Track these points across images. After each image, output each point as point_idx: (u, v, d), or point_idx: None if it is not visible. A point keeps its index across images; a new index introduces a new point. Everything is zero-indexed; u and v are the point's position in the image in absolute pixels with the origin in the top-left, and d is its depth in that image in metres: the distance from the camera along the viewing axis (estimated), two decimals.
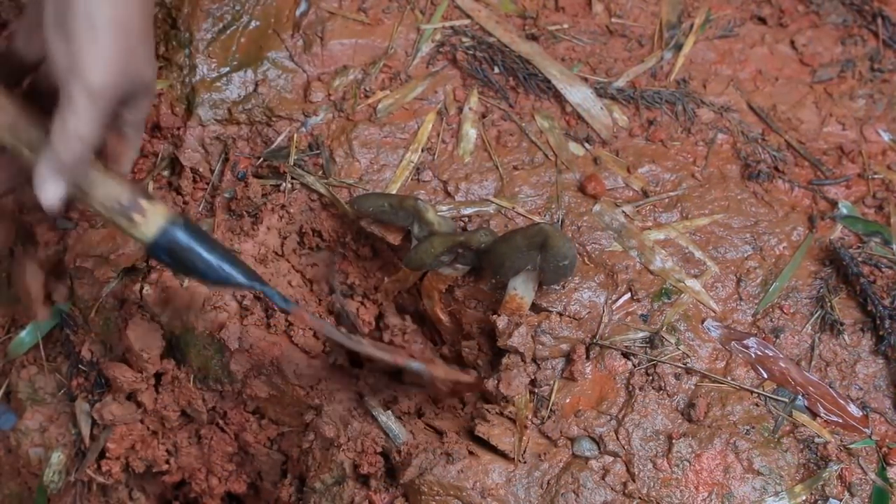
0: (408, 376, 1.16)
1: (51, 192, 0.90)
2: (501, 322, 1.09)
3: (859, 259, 1.15)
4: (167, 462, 1.26)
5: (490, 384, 1.08)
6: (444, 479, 1.02)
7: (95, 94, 0.86)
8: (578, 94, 1.26)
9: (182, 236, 0.95)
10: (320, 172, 1.20)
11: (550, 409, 1.07)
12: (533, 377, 1.08)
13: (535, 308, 1.11)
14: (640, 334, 1.10)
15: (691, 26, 1.35)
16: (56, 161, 0.88)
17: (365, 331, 1.19)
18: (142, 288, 1.19)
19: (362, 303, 1.22)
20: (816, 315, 1.14)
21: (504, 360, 1.09)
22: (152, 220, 0.95)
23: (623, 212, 1.17)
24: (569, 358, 1.08)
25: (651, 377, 1.08)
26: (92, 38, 0.85)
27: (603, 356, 1.08)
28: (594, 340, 1.09)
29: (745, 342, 1.11)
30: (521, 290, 1.09)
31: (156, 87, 1.00)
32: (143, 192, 0.96)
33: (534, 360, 1.08)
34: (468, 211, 1.17)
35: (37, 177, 0.89)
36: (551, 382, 1.08)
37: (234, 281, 0.97)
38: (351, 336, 1.01)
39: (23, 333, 1.27)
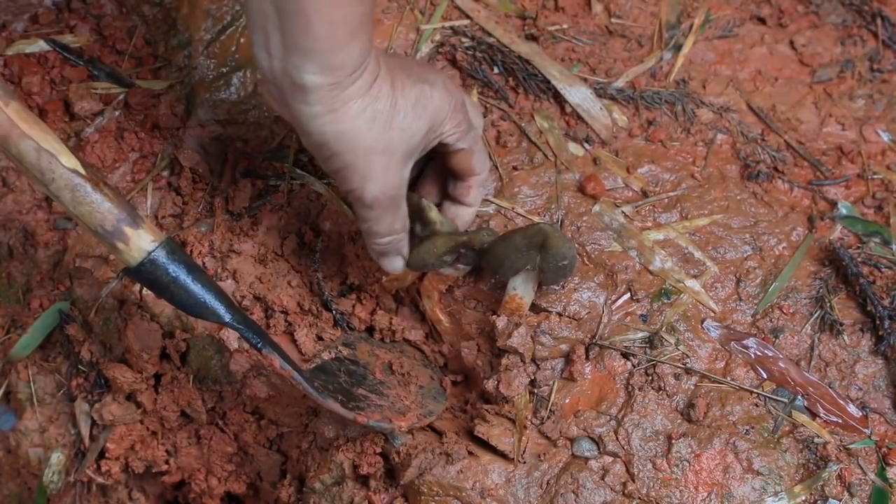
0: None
1: (389, 266, 1.08)
2: (501, 322, 1.09)
3: (859, 259, 1.15)
4: (167, 462, 1.26)
5: (490, 384, 1.08)
6: (444, 479, 1.02)
7: (369, 204, 0.97)
8: (578, 95, 1.26)
9: (164, 268, 0.94)
10: (320, 172, 1.20)
11: (550, 410, 1.07)
12: (532, 377, 1.08)
13: (534, 308, 1.11)
14: (640, 334, 1.10)
15: (691, 26, 1.35)
16: (373, 253, 1.06)
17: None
18: (141, 288, 1.19)
19: (359, 299, 1.22)
20: (816, 315, 1.14)
21: (503, 361, 1.09)
22: (135, 248, 0.94)
23: (622, 212, 1.17)
24: (568, 358, 1.08)
25: (650, 377, 1.08)
26: (352, 171, 0.94)
27: (602, 356, 1.08)
28: (593, 341, 1.09)
29: (744, 342, 1.11)
30: (521, 290, 1.09)
31: (454, 110, 1.00)
32: (130, 216, 0.94)
33: (533, 360, 1.08)
34: None
35: (375, 258, 1.07)
36: (551, 383, 1.08)
37: (214, 317, 0.96)
38: (318, 389, 0.99)
39: (25, 337, 1.27)
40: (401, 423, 1.03)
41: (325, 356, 1.11)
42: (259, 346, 0.98)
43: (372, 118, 0.91)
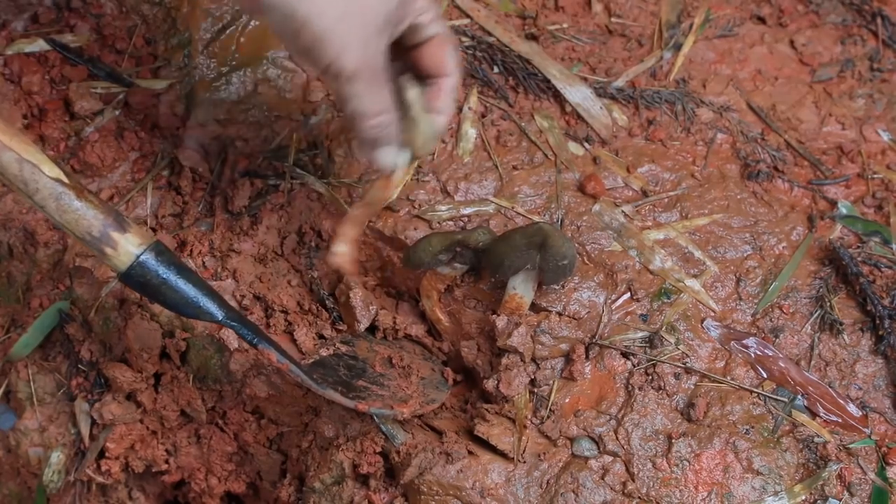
0: None
1: (382, 159, 0.96)
2: (501, 322, 1.09)
3: (859, 259, 1.15)
4: (166, 462, 1.26)
5: (490, 384, 1.08)
6: (444, 478, 1.02)
7: (351, 74, 0.88)
8: (578, 94, 1.26)
9: (153, 270, 0.94)
10: (319, 172, 1.20)
11: (550, 409, 1.07)
12: (532, 377, 1.08)
13: (534, 308, 1.11)
14: (640, 334, 1.10)
15: (691, 26, 1.35)
16: (366, 141, 0.94)
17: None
18: None
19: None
20: (816, 315, 1.14)
21: (504, 360, 1.09)
22: (124, 252, 0.94)
23: (622, 211, 1.17)
24: (568, 358, 1.08)
25: (650, 377, 1.08)
26: (328, 42, 0.86)
27: (602, 356, 1.08)
28: (593, 340, 1.09)
29: (744, 342, 1.11)
30: (521, 289, 1.09)
31: None
32: (116, 221, 0.94)
33: (533, 359, 1.08)
34: (468, 210, 1.17)
35: (362, 155, 0.99)
36: (551, 382, 1.08)
37: (208, 316, 0.96)
38: (317, 381, 0.99)
39: (24, 336, 1.27)
40: (403, 410, 1.03)
41: (324, 352, 1.11)
42: (255, 341, 0.98)
43: None
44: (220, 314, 0.96)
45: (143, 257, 0.94)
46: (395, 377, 1.10)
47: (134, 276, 0.94)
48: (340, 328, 1.19)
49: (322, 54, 0.86)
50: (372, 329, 1.22)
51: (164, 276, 0.94)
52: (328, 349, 1.12)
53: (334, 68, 0.87)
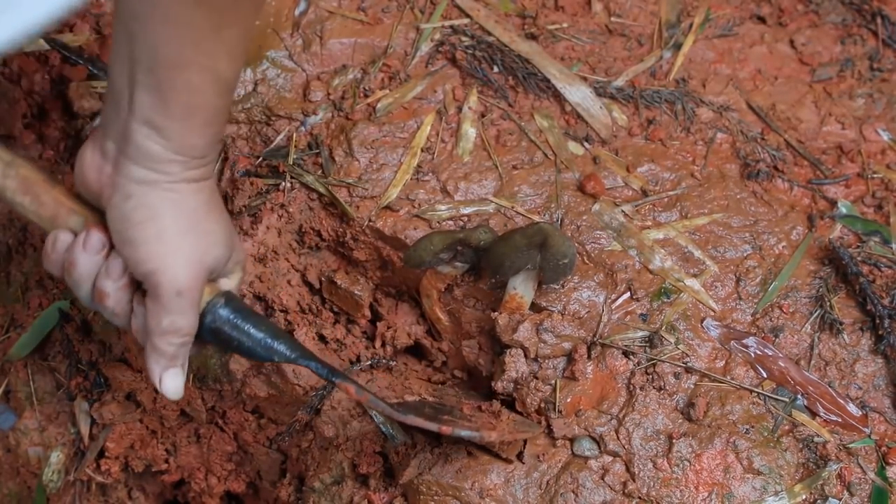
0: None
1: (171, 385, 0.93)
2: (503, 319, 1.09)
3: (858, 258, 1.15)
4: (166, 461, 1.26)
5: (500, 385, 1.08)
6: (443, 479, 1.02)
7: (184, 292, 0.88)
8: (578, 94, 1.26)
9: (225, 315, 0.93)
10: (319, 171, 1.20)
11: (558, 409, 1.06)
12: (535, 376, 1.08)
13: (534, 307, 1.11)
14: (640, 334, 1.10)
15: (690, 25, 1.35)
16: (163, 357, 0.91)
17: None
18: None
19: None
20: (816, 314, 1.14)
21: (506, 360, 1.08)
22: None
23: (622, 211, 1.17)
24: (570, 357, 1.08)
25: (651, 377, 1.08)
26: (165, 249, 0.87)
27: (604, 355, 1.08)
28: (595, 339, 1.09)
29: (744, 341, 1.11)
30: (521, 289, 1.09)
31: (245, 259, 0.99)
32: None
33: (535, 358, 1.08)
34: (467, 210, 1.17)
35: (153, 376, 0.92)
36: (552, 382, 1.07)
37: (282, 357, 0.94)
38: (396, 408, 0.95)
39: (24, 336, 1.27)
40: (491, 433, 0.99)
41: (409, 398, 1.09)
42: (331, 377, 0.95)
43: (199, 206, 0.88)
44: (293, 354, 0.94)
45: (213, 309, 0.93)
46: (484, 417, 1.07)
47: (206, 328, 0.93)
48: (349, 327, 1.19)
49: (155, 257, 0.87)
50: (374, 321, 1.22)
51: (236, 324, 0.93)
52: (413, 397, 1.10)
53: (167, 276, 0.87)
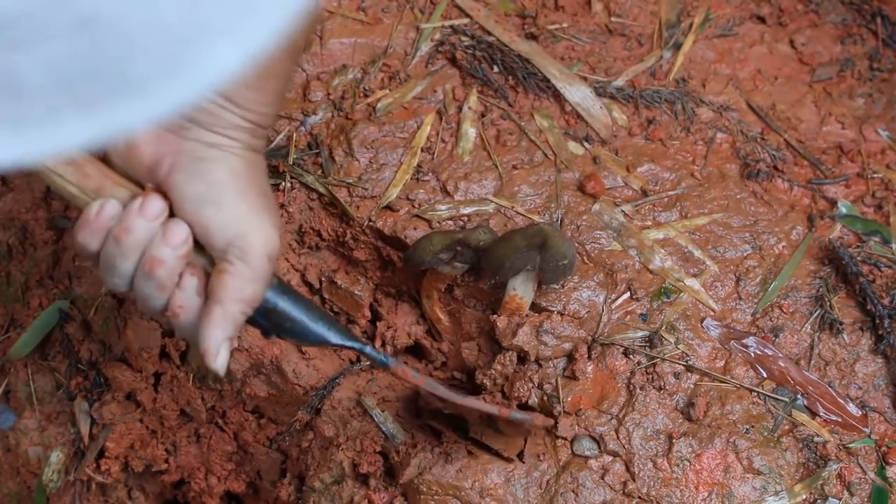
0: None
1: (224, 358, 0.86)
2: (502, 322, 1.09)
3: (858, 258, 1.15)
4: (166, 461, 1.26)
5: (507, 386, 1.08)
6: (443, 478, 1.02)
7: (273, 256, 0.85)
8: (578, 94, 1.26)
9: (278, 300, 0.90)
10: (319, 171, 1.20)
11: (563, 409, 1.06)
12: (535, 376, 1.08)
13: (534, 307, 1.11)
14: (640, 333, 1.10)
15: (690, 25, 1.35)
16: (231, 325, 0.85)
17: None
18: None
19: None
20: (816, 314, 1.14)
21: (506, 360, 1.08)
22: None
23: (622, 211, 1.17)
24: (571, 357, 1.08)
25: (651, 376, 1.08)
26: (252, 211, 0.84)
27: (605, 355, 1.08)
28: (595, 339, 1.09)
29: (744, 341, 1.11)
30: (521, 290, 1.09)
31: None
32: None
33: (536, 359, 1.08)
34: (467, 210, 1.17)
35: (210, 342, 0.85)
36: (553, 381, 1.07)
37: (336, 340, 0.92)
38: (454, 391, 0.96)
39: (24, 336, 1.27)
40: (537, 417, 1.01)
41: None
42: (386, 361, 0.95)
43: (265, 173, 0.87)
44: (348, 339, 0.93)
45: (266, 291, 0.90)
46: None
47: (261, 307, 0.89)
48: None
49: (232, 225, 0.83)
50: (374, 321, 1.22)
51: (288, 307, 0.91)
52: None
53: (250, 241, 0.83)
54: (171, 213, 0.84)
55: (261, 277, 0.84)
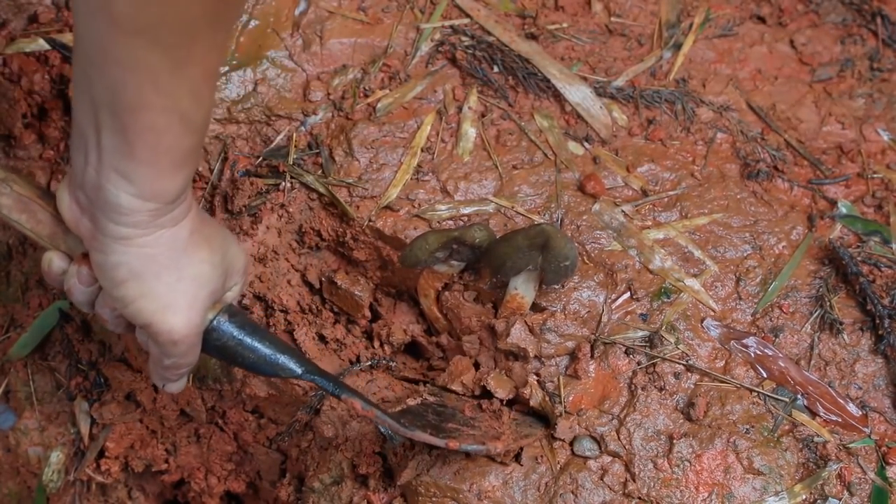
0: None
1: (174, 388, 0.99)
2: (500, 325, 1.09)
3: (858, 258, 1.15)
4: (166, 461, 1.26)
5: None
6: (441, 480, 1.02)
7: (180, 340, 0.89)
8: (578, 94, 1.25)
9: (229, 331, 0.93)
10: (319, 171, 1.20)
11: (564, 409, 1.06)
12: (537, 374, 1.08)
13: (535, 307, 1.11)
14: (640, 333, 1.10)
15: (690, 25, 1.35)
16: (167, 381, 0.97)
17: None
18: None
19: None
20: (816, 314, 1.14)
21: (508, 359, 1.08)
22: None
23: (622, 211, 1.17)
24: (573, 356, 1.08)
25: (652, 376, 1.08)
26: (154, 306, 0.87)
27: (607, 354, 1.08)
28: (597, 338, 1.09)
29: (744, 341, 1.11)
30: (522, 289, 1.09)
31: (247, 262, 0.99)
32: None
33: (538, 357, 1.08)
34: (467, 210, 1.17)
35: (157, 385, 0.99)
36: (555, 380, 1.07)
37: (287, 372, 0.94)
38: (404, 425, 0.96)
39: (24, 336, 1.27)
40: (496, 444, 0.99)
41: (411, 402, 1.10)
42: (337, 392, 0.96)
43: (182, 248, 0.87)
44: (299, 370, 0.95)
45: (216, 321, 0.93)
46: (486, 419, 1.07)
47: (210, 342, 0.93)
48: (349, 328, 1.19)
49: (144, 313, 0.87)
50: (369, 336, 1.22)
51: (240, 337, 0.93)
52: (415, 399, 1.10)
53: (159, 328, 0.88)
54: None
55: (175, 354, 0.91)
